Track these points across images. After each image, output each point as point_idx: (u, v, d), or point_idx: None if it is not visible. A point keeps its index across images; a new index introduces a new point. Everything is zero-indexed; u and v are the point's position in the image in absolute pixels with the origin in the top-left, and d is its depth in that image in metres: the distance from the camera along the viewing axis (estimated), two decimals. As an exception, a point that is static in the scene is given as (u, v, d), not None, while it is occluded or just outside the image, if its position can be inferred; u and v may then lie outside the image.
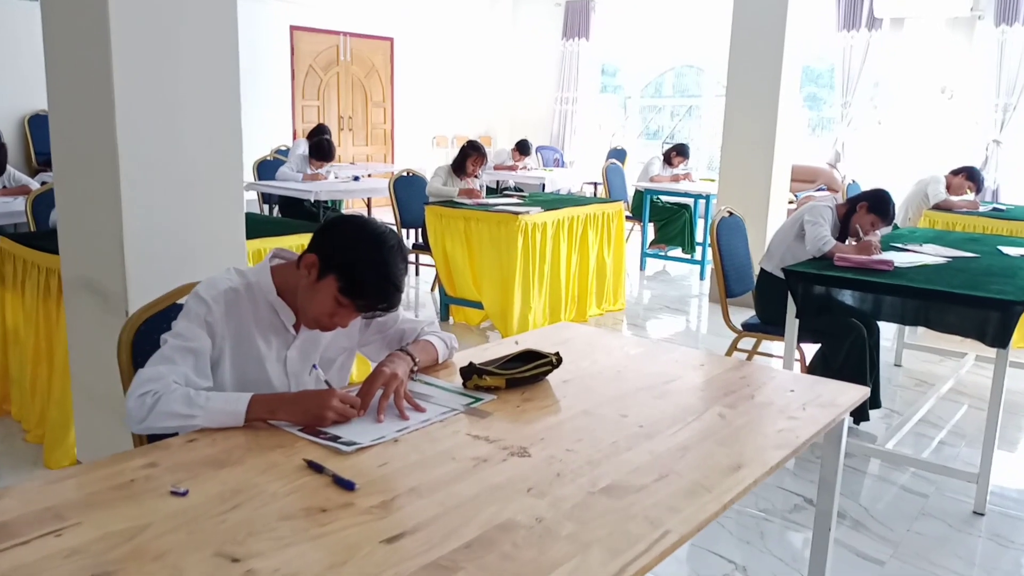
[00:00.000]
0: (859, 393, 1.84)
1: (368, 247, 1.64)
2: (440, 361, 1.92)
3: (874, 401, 3.73)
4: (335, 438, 1.49)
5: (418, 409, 1.64)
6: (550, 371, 1.84)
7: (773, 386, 1.88)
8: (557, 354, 1.85)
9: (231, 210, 2.49)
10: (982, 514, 2.96)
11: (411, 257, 6.16)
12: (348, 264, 1.63)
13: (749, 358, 4.15)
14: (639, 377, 1.91)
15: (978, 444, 3.12)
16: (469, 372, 1.76)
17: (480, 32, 11.79)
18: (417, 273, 6.87)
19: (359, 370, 2.82)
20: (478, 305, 5.16)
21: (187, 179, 2.37)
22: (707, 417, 1.67)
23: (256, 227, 3.79)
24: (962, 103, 8.91)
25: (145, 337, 1.83)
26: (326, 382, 1.64)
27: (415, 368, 1.78)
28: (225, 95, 2.41)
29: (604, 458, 1.45)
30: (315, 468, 1.37)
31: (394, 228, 1.76)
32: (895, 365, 4.69)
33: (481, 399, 1.72)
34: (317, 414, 1.54)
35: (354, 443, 1.46)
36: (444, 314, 5.49)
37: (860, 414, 3.57)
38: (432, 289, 6.16)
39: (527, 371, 1.78)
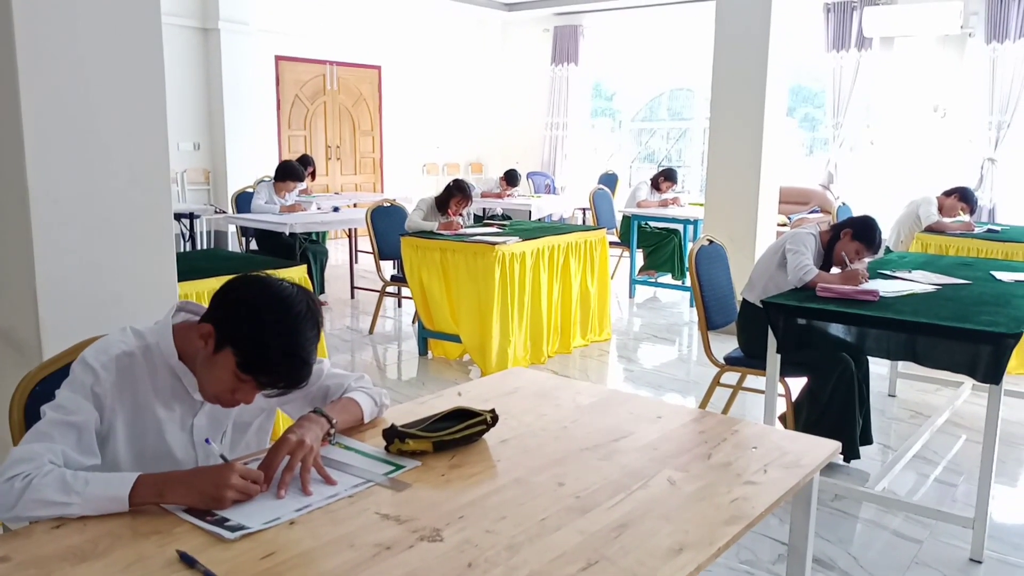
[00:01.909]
0: (829, 449, 1.65)
1: (269, 314, 1.45)
2: (366, 420, 1.74)
3: (865, 437, 3.54)
4: (222, 521, 1.30)
5: (328, 481, 1.46)
6: (485, 431, 1.66)
7: (734, 442, 1.70)
8: (492, 411, 1.67)
9: (160, 249, 2.32)
10: (980, 562, 2.76)
11: (391, 288, 6.01)
12: (247, 336, 1.45)
13: (734, 393, 3.96)
14: (586, 434, 1.73)
15: (976, 480, 2.92)
16: (391, 435, 1.58)
17: (469, 59, 11.72)
18: (399, 305, 6.70)
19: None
20: (456, 339, 4.99)
21: (108, 218, 2.20)
22: (654, 484, 1.49)
23: (208, 264, 3.64)
24: (955, 121, 8.78)
25: (40, 399, 1.66)
26: (221, 456, 1.45)
27: (332, 431, 1.60)
28: (151, 125, 2.25)
29: (527, 541, 1.26)
30: (187, 562, 1.18)
31: (305, 288, 1.55)
32: (889, 395, 4.50)
33: (403, 466, 1.53)
34: (214, 495, 1.35)
35: (242, 527, 1.28)
36: (423, 348, 5.31)
37: (850, 451, 3.38)
38: (413, 322, 5.99)
39: (456, 433, 1.60)
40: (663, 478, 1.51)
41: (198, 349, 1.51)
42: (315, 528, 1.30)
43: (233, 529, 1.28)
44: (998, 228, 5.66)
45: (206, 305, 1.57)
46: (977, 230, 5.41)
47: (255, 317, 1.45)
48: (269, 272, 1.61)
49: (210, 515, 1.32)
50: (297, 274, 3.61)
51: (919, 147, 8.91)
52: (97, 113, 2.16)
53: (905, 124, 9.01)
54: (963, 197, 5.60)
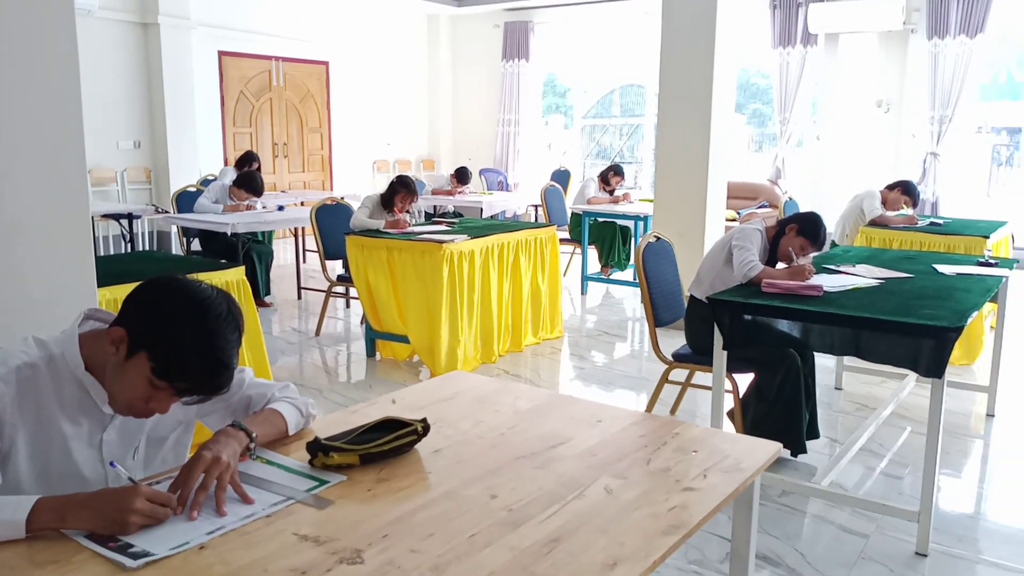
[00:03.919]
0: (770, 452, 1.62)
1: (187, 317, 1.37)
2: (291, 432, 1.65)
3: (812, 431, 3.54)
4: (126, 547, 1.21)
5: (246, 500, 1.37)
6: (416, 441, 1.59)
7: (675, 446, 1.65)
8: (424, 421, 1.60)
9: (77, 253, 2.20)
10: (925, 555, 2.77)
11: (339, 289, 5.88)
12: (162, 339, 1.36)
13: (683, 390, 3.94)
14: (524, 441, 1.67)
15: (921, 471, 2.93)
16: (315, 448, 1.50)
17: (418, 54, 11.59)
18: (348, 306, 6.58)
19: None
20: (405, 339, 4.90)
21: (19, 220, 2.08)
22: (591, 493, 1.43)
23: (141, 267, 3.49)
24: (899, 116, 8.94)
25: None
26: (130, 479, 1.36)
27: (252, 446, 1.51)
28: (65, 122, 2.12)
29: (454, 559, 1.20)
30: (83, 595, 1.09)
31: (225, 291, 1.46)
32: (835, 388, 4.53)
33: (328, 482, 1.45)
34: (117, 519, 1.25)
35: (147, 554, 1.19)
36: (371, 349, 5.21)
37: (797, 446, 3.38)
38: (361, 323, 5.87)
39: (384, 444, 1.52)
40: (600, 486, 1.45)
41: (108, 357, 1.41)
42: (226, 552, 1.21)
43: (136, 556, 1.18)
44: (940, 221, 5.74)
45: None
46: (920, 223, 5.49)
47: (172, 319, 1.38)
48: (198, 274, 1.53)
49: (113, 541, 1.23)
50: (234, 276, 3.48)
51: (864, 142, 9.06)
52: (3, 108, 2.03)
53: (850, 119, 9.15)
54: (906, 190, 5.67)
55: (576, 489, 1.44)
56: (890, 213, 5.57)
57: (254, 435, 1.51)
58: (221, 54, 9.31)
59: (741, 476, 1.50)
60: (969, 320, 2.75)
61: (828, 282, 3.26)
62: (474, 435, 1.70)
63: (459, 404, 1.89)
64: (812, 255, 3.54)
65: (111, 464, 1.44)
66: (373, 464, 1.52)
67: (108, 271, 2.94)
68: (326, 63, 10.44)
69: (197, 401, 1.48)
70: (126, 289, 3.04)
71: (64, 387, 1.46)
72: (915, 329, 2.66)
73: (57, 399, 1.45)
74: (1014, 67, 9.37)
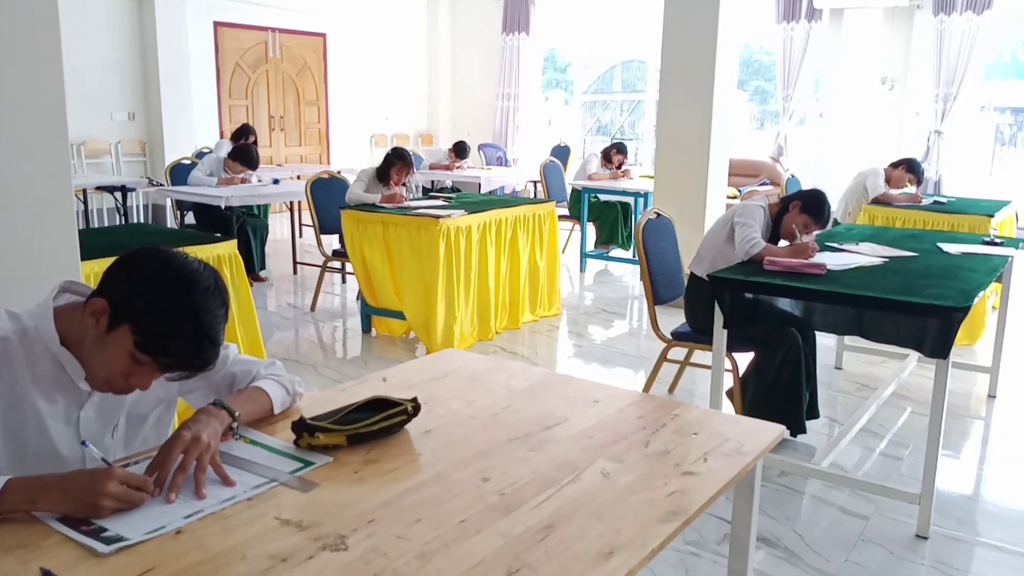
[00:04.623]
0: (773, 435, 1.56)
1: (174, 289, 1.31)
2: (277, 411, 1.59)
3: (812, 411, 3.50)
4: (99, 531, 1.15)
5: (227, 482, 1.32)
6: (406, 421, 1.53)
7: (673, 428, 1.59)
8: (414, 400, 1.54)
9: (59, 225, 2.13)
10: (925, 537, 2.73)
11: (336, 264, 5.82)
12: (147, 312, 1.30)
13: (681, 369, 3.89)
14: (518, 422, 1.61)
15: (921, 452, 2.88)
16: (300, 428, 1.44)
17: (417, 27, 11.43)
18: (344, 281, 6.51)
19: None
20: (400, 316, 4.84)
21: (-1, 195, 2.01)
22: (587, 476, 1.37)
23: (132, 240, 3.43)
24: (903, 94, 8.83)
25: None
26: (103, 459, 1.30)
27: (235, 425, 1.45)
28: (47, 92, 2.05)
29: (442, 547, 1.14)
30: (50, 582, 1.04)
31: (210, 265, 1.40)
32: (836, 368, 4.48)
33: (313, 463, 1.40)
34: (90, 502, 1.19)
35: (120, 539, 1.13)
36: (366, 325, 5.15)
37: (797, 426, 3.33)
38: (357, 299, 5.81)
39: (373, 424, 1.47)
40: (596, 470, 1.40)
41: (86, 330, 1.35)
42: (204, 537, 1.15)
43: (109, 541, 1.13)
44: (944, 200, 5.67)
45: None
46: (924, 202, 5.41)
47: (158, 291, 1.32)
48: (190, 248, 1.46)
49: (86, 524, 1.17)
50: (226, 249, 3.42)
51: (867, 119, 8.95)
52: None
53: (854, 96, 9.04)
54: (910, 168, 5.59)
55: (571, 473, 1.38)
56: (894, 191, 5.50)
57: (237, 414, 1.45)
58: (216, 24, 9.16)
59: (743, 460, 1.45)
60: (976, 300, 2.69)
61: (831, 260, 3.20)
62: (466, 415, 1.64)
63: (451, 383, 1.84)
64: (815, 233, 3.47)
65: (83, 443, 1.38)
66: (361, 445, 1.46)
67: (95, 244, 2.87)
68: (323, 35, 10.29)
69: (180, 377, 1.42)
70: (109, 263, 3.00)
71: (38, 362, 1.40)
72: (920, 309, 2.60)
73: (31, 375, 1.39)
74: (1019, 46, 9.24)
